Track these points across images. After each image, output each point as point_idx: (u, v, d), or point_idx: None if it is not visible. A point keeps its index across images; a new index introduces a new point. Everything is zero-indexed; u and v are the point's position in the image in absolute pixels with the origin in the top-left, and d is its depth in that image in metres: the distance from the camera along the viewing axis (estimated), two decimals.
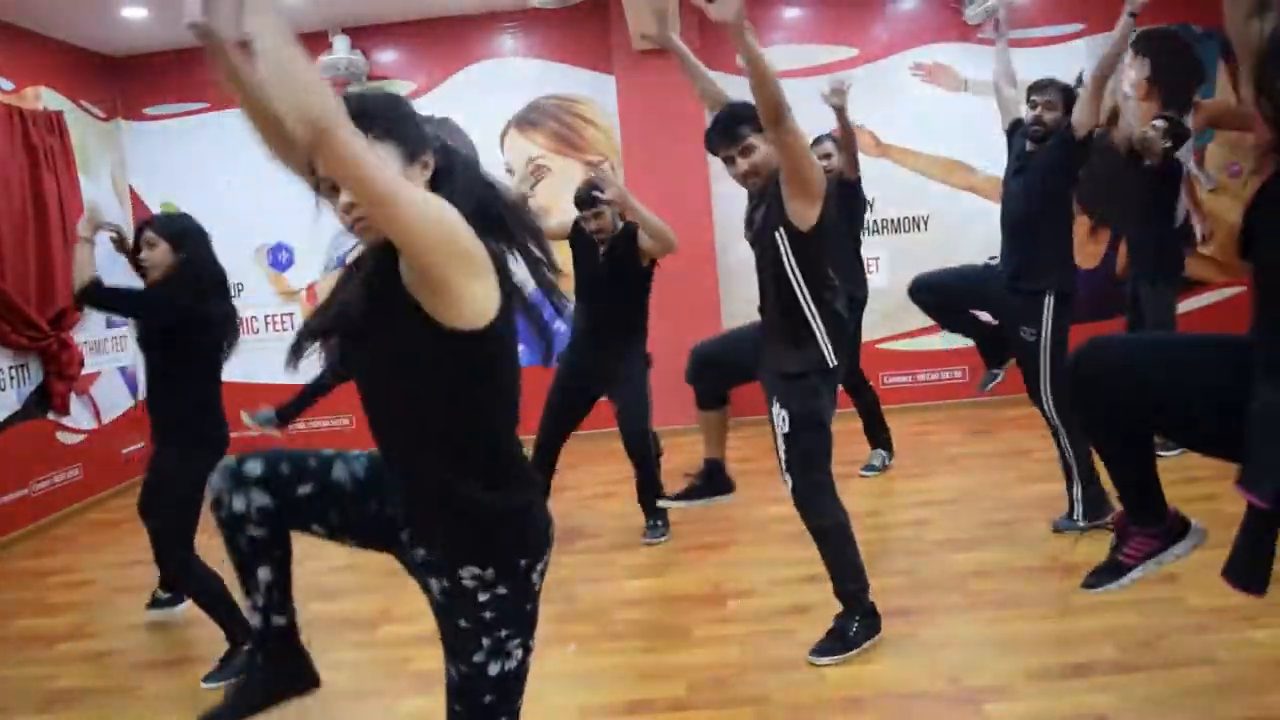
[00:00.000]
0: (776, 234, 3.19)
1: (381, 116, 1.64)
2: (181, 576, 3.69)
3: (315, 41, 7.09)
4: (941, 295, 4.62)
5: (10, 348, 6.00)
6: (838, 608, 3.33)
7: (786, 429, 3.24)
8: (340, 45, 7.06)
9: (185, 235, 3.62)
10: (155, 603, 4.27)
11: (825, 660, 3.22)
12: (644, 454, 4.69)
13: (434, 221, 1.53)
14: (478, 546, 1.76)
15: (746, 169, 3.22)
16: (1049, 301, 4.17)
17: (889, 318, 7.20)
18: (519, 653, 1.82)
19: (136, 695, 3.54)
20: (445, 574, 1.79)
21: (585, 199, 4.63)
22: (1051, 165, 4.16)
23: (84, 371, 6.49)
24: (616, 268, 4.68)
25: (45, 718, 3.43)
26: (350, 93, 1.64)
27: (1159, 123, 5.39)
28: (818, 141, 5.32)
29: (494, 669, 1.79)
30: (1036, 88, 4.26)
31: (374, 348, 1.72)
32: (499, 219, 1.73)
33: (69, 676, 3.77)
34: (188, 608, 4.09)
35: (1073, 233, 4.40)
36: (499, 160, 7.30)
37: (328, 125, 1.39)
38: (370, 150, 1.48)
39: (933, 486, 5.15)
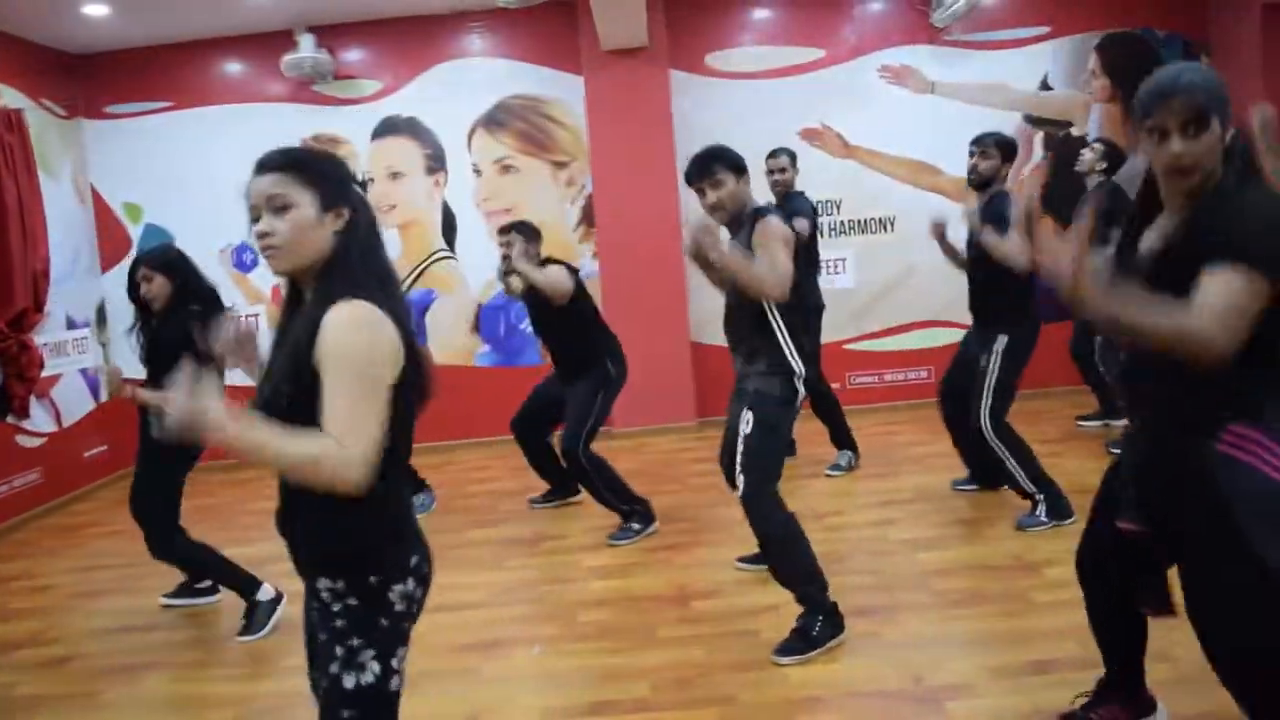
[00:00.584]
0: None
1: (313, 169, 1.85)
2: (181, 560, 4.10)
3: (281, 40, 7.05)
4: (954, 399, 4.73)
5: None
6: (795, 609, 3.35)
7: (749, 430, 3.34)
8: (306, 44, 7.01)
9: (172, 264, 3.96)
10: (195, 592, 4.40)
11: (788, 660, 3.23)
12: (578, 471, 4.79)
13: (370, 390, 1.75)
14: (329, 562, 1.84)
15: (714, 201, 3.41)
16: (1001, 341, 4.36)
17: (855, 319, 7.25)
18: (375, 667, 1.83)
19: (97, 701, 3.50)
20: (310, 588, 1.90)
21: (518, 228, 4.94)
22: (996, 219, 4.27)
23: (44, 374, 6.39)
24: (535, 307, 5.00)
25: None
26: (277, 150, 1.86)
27: (1097, 146, 5.55)
28: (775, 155, 5.42)
29: (349, 681, 1.81)
30: (976, 140, 4.50)
31: (277, 364, 1.87)
32: (386, 274, 1.92)
33: (28, 684, 3.72)
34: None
35: (1028, 279, 4.38)
36: (467, 160, 7.28)
37: (348, 475, 1.69)
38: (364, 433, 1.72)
39: (897, 486, 5.17)
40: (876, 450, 5.98)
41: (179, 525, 4.02)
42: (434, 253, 7.37)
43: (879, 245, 7.25)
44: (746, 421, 3.35)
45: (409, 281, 7.36)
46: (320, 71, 7.11)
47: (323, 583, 1.83)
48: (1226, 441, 1.96)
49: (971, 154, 4.48)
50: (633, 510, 4.80)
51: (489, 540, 4.97)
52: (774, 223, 3.29)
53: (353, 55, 7.30)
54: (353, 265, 1.82)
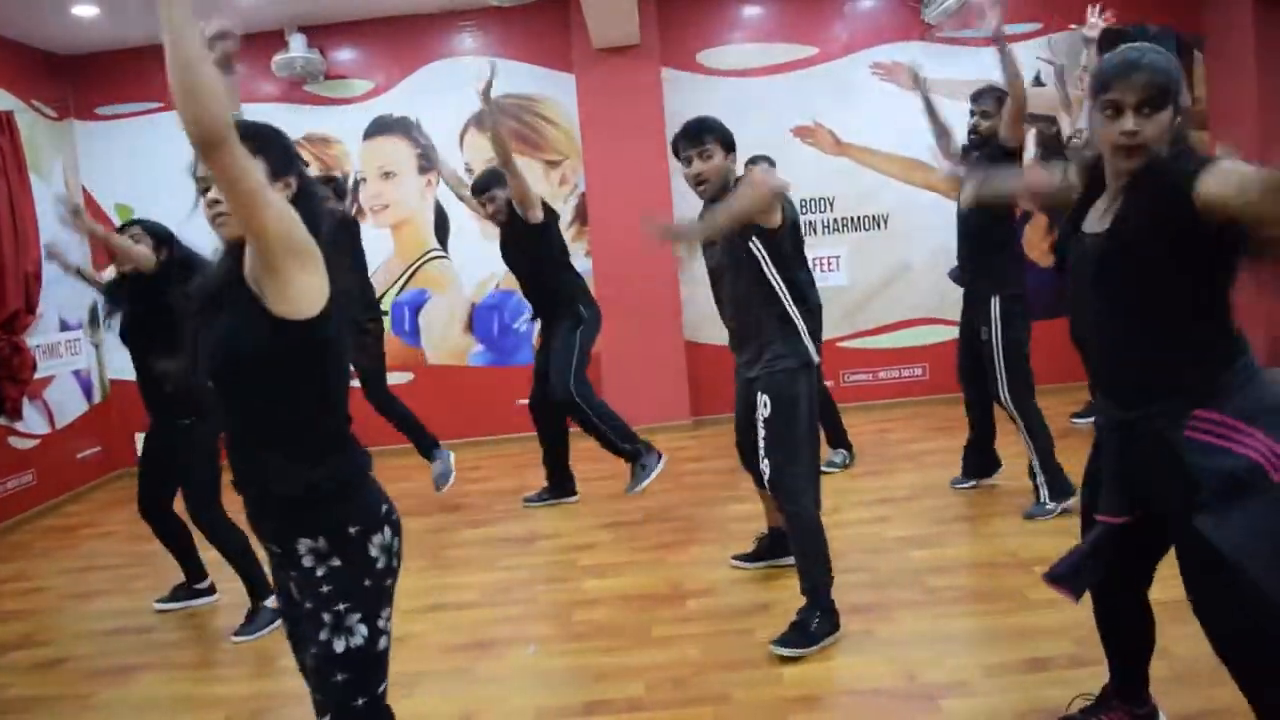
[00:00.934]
0: (750, 244, 3.31)
1: (259, 138, 1.90)
2: (210, 531, 4.02)
3: (271, 40, 7.02)
4: (971, 382, 4.71)
5: None
6: (797, 606, 3.34)
7: (768, 414, 3.33)
8: (297, 44, 6.98)
9: (161, 236, 4.21)
10: (192, 593, 4.37)
11: (787, 651, 3.23)
12: (580, 417, 4.95)
13: (276, 218, 1.75)
14: (304, 517, 1.87)
15: (699, 171, 3.36)
16: (995, 303, 4.37)
17: (849, 316, 7.24)
18: (363, 629, 1.89)
19: (89, 703, 3.49)
20: (289, 557, 1.90)
21: (477, 186, 5.10)
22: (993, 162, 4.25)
23: (37, 375, 6.37)
24: (512, 236, 5.10)
25: None
26: (238, 118, 1.84)
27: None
28: (754, 161, 5.40)
29: (339, 645, 1.87)
30: (974, 97, 4.47)
31: (216, 326, 1.89)
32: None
33: (20, 685, 3.71)
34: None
35: (1016, 237, 4.45)
36: (459, 159, 7.26)
37: (223, 135, 1.62)
38: (248, 159, 1.70)
39: (893, 484, 5.17)
40: (871, 448, 5.98)
41: (219, 494, 3.98)
42: (427, 252, 7.35)
43: (872, 242, 7.24)
44: (764, 404, 3.34)
45: (402, 281, 7.35)
46: (311, 71, 7.09)
47: (303, 544, 1.87)
48: (1191, 428, 1.98)
49: (971, 113, 4.45)
50: (636, 449, 4.92)
51: (483, 540, 4.96)
52: (759, 170, 3.31)
53: (344, 55, 7.28)
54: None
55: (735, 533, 4.55)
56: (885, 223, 7.25)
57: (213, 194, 1.88)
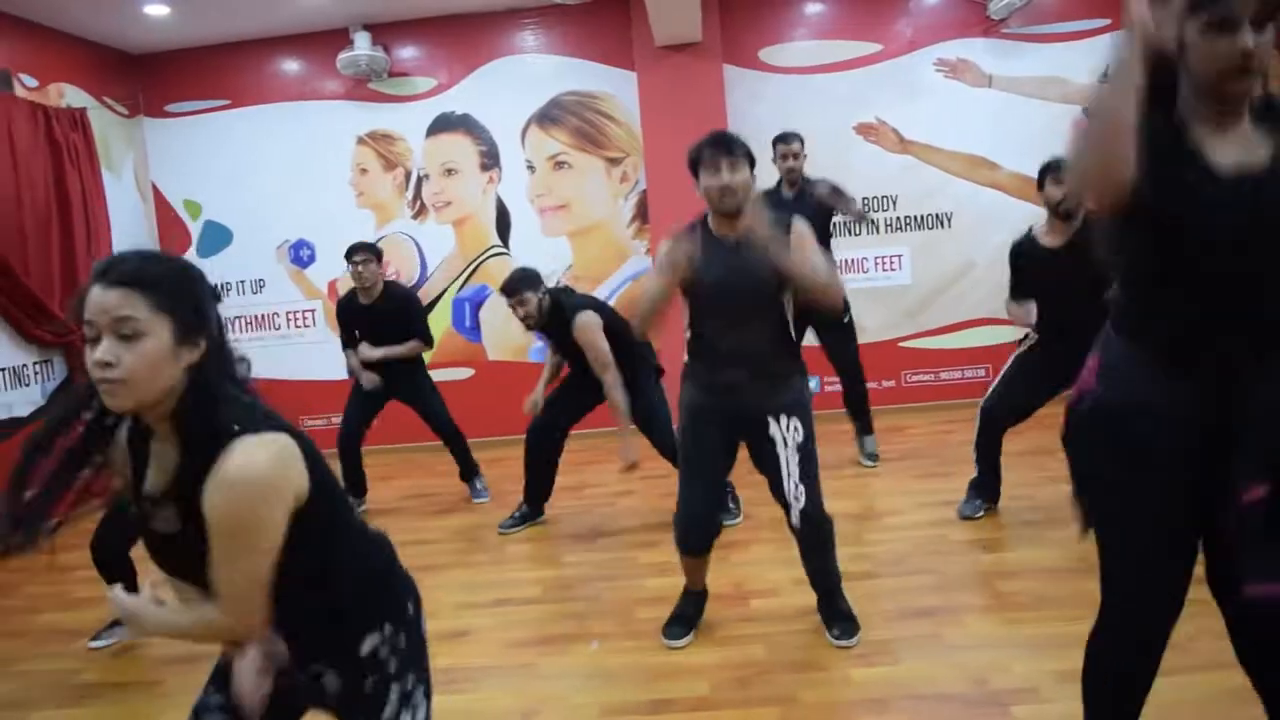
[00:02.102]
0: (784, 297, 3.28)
1: (171, 291, 1.55)
2: None
3: (336, 37, 7.12)
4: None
5: (35, 343, 6.03)
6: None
7: (801, 439, 3.27)
8: (361, 41, 7.07)
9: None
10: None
11: (854, 640, 3.32)
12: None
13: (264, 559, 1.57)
14: (368, 616, 1.77)
15: (729, 183, 3.18)
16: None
17: (912, 316, 7.17)
18: (424, 703, 1.84)
19: (160, 690, 3.55)
20: (347, 666, 1.77)
21: (506, 288, 4.79)
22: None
23: None
24: (563, 335, 4.81)
25: (70, 712, 3.43)
26: (129, 256, 1.56)
27: None
28: (786, 140, 5.34)
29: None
30: (1055, 170, 4.16)
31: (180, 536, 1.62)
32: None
33: (93, 671, 3.78)
34: None
35: None
36: (520, 157, 7.30)
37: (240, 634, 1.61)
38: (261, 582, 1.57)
39: (955, 486, 5.08)
40: (932, 450, 5.91)
41: None
42: (488, 249, 7.39)
43: (936, 241, 7.16)
44: (795, 430, 3.26)
45: (463, 277, 7.40)
46: (375, 69, 7.17)
47: (369, 642, 1.75)
48: None
49: (1059, 181, 4.13)
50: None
51: (545, 535, 4.98)
52: (805, 227, 3.24)
53: (407, 53, 7.35)
54: (217, 398, 1.58)
55: None
56: (949, 221, 7.16)
57: (103, 352, 1.50)
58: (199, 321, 1.58)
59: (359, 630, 1.76)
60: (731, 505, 4.87)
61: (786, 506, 3.33)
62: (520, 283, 4.75)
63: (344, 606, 1.74)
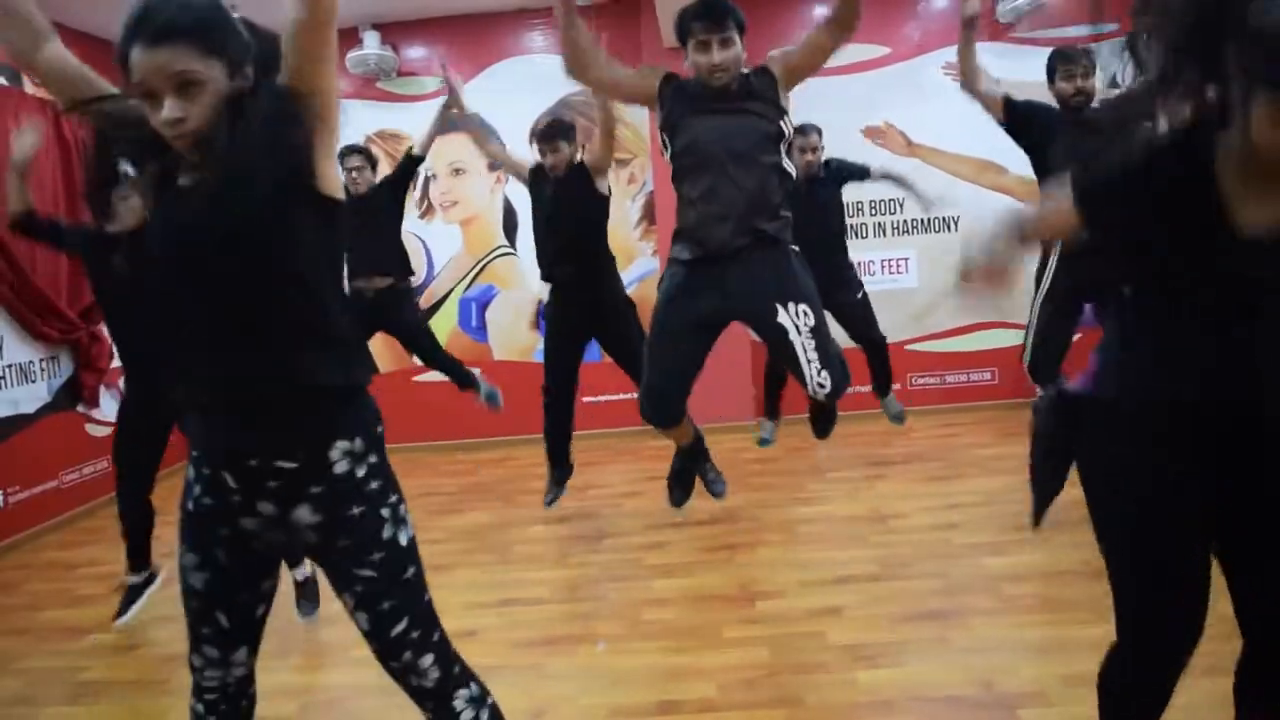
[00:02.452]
0: (781, 121, 3.33)
1: (207, 30, 1.58)
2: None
3: (345, 37, 7.11)
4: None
5: (41, 340, 6.04)
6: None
7: (813, 322, 3.24)
8: (370, 40, 7.08)
9: None
10: None
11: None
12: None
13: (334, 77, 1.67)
14: (340, 420, 1.72)
15: (721, 61, 3.09)
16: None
17: (918, 319, 7.17)
18: (409, 519, 1.82)
19: (165, 687, 3.54)
20: (316, 474, 1.70)
21: (544, 133, 4.89)
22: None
23: (113, 364, 6.51)
24: (565, 195, 4.97)
25: (74, 709, 3.44)
26: (157, 5, 1.57)
27: None
28: (804, 132, 5.31)
29: (404, 537, 1.79)
30: (1068, 59, 4.13)
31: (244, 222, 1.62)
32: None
33: (97, 668, 3.78)
34: None
35: None
36: (531, 158, 7.28)
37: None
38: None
39: (961, 489, 5.09)
40: (938, 453, 5.91)
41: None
42: (495, 249, 7.39)
43: (942, 244, 7.16)
44: (803, 313, 3.22)
45: (470, 277, 7.40)
46: (384, 68, 7.18)
47: (338, 449, 1.70)
48: None
49: (1071, 74, 4.09)
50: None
51: (552, 536, 4.98)
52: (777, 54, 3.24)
53: (416, 52, 7.35)
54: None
55: (802, 535, 4.53)
56: (955, 225, 7.16)
57: (171, 110, 1.54)
58: (244, 51, 1.62)
59: (329, 420, 1.71)
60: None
61: (806, 385, 3.34)
62: (560, 132, 4.94)
63: (329, 359, 1.70)
